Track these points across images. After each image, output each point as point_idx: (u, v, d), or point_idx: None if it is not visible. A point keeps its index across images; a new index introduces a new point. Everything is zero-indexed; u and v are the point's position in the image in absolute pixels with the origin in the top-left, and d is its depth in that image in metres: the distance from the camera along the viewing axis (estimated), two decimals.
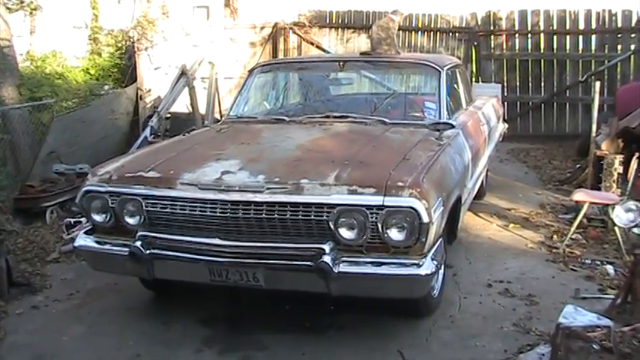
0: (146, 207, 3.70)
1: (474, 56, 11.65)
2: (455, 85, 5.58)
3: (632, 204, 5.12)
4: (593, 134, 6.92)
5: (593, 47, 11.18)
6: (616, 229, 5.24)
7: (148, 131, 8.24)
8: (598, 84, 6.77)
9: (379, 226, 3.34)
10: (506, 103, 10.35)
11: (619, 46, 11.05)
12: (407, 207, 3.31)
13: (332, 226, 3.38)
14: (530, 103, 11.42)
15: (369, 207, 3.34)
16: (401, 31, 10.97)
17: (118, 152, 7.36)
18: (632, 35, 10.94)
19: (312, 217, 3.40)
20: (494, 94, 8.13)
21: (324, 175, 3.52)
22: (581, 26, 11.13)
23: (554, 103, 11.34)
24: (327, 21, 11.91)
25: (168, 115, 9.11)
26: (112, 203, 3.80)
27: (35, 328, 4.21)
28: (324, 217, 3.39)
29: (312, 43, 11.74)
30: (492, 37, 11.50)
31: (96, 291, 4.77)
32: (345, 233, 3.39)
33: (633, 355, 3.34)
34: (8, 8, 8.75)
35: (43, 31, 11.36)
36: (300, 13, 11.91)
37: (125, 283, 4.69)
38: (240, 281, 3.61)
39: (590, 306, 4.03)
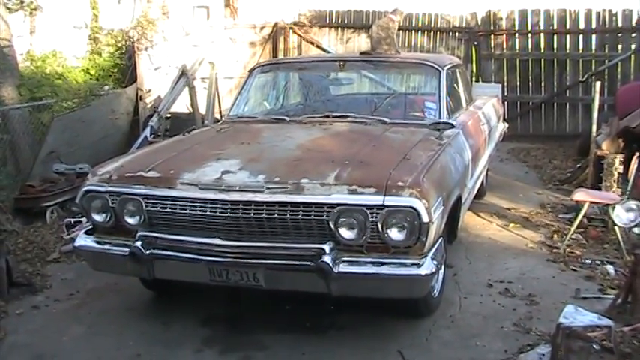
0: (146, 207, 3.70)
1: (474, 56, 11.65)
2: (455, 85, 5.58)
3: (632, 204, 5.11)
4: (594, 134, 6.92)
5: (593, 47, 11.17)
6: (616, 228, 5.24)
7: (148, 131, 8.24)
8: (598, 84, 6.77)
9: (379, 225, 3.34)
10: (506, 102, 10.36)
11: (619, 46, 11.05)
12: (407, 207, 3.31)
13: (332, 226, 3.38)
14: (531, 103, 11.42)
15: (369, 207, 3.34)
16: (401, 31, 10.97)
17: (118, 152, 7.37)
18: (633, 35, 10.93)
19: (313, 217, 3.40)
20: (495, 93, 8.12)
21: (324, 175, 3.52)
22: (582, 26, 11.12)
23: (555, 103, 11.33)
24: (327, 21, 11.90)
25: (169, 115, 9.11)
26: (112, 203, 3.80)
27: (35, 328, 4.21)
28: (325, 217, 3.38)
29: (312, 43, 11.74)
30: (492, 36, 11.50)
31: (96, 291, 4.77)
32: (346, 233, 3.40)
33: (633, 355, 3.35)
34: (8, 8, 8.75)
35: (43, 31, 11.35)
36: (300, 13, 11.91)
37: (125, 283, 4.69)
38: (241, 281, 3.61)
39: (591, 306, 4.03)
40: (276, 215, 3.45)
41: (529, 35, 11.40)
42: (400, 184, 3.37)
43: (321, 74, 5.74)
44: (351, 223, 3.38)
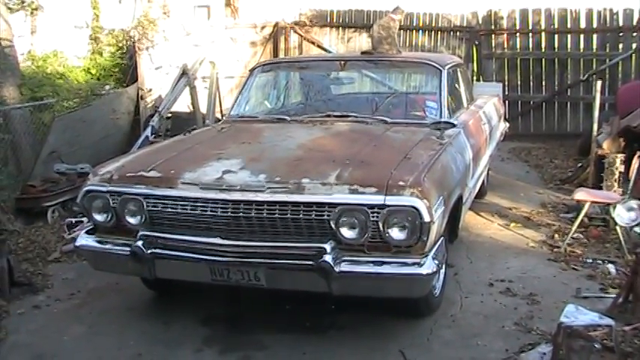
0: (147, 206, 3.70)
1: (475, 55, 11.64)
2: (456, 85, 5.57)
3: (633, 203, 5.11)
4: (595, 133, 6.91)
5: (594, 46, 11.16)
6: (617, 228, 5.23)
7: (149, 131, 8.24)
8: (599, 83, 6.76)
9: (380, 225, 3.34)
10: (507, 102, 10.38)
11: (620, 45, 11.03)
12: (408, 206, 3.30)
13: (333, 226, 3.38)
14: (532, 102, 11.41)
15: (370, 206, 3.34)
16: (402, 31, 10.97)
17: (119, 152, 7.37)
18: (634, 34, 10.91)
19: (314, 216, 3.40)
20: (496, 93, 8.12)
21: (325, 175, 3.52)
22: (583, 25, 11.11)
23: (556, 102, 11.33)
24: (328, 20, 11.90)
25: (169, 115, 9.11)
26: (113, 203, 3.80)
27: (36, 327, 4.21)
28: (326, 217, 3.38)
29: (313, 43, 11.74)
30: (493, 36, 11.50)
31: (97, 291, 4.77)
32: (347, 232, 3.39)
33: (635, 355, 3.35)
34: (9, 8, 8.75)
35: (44, 30, 11.35)
36: (300, 13, 11.92)
37: (126, 283, 4.69)
38: (242, 281, 3.61)
39: (592, 305, 4.03)
40: (277, 215, 3.44)
41: (530, 34, 11.39)
42: (401, 183, 3.37)
43: (322, 74, 5.74)
44: (352, 223, 3.38)
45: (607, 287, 4.53)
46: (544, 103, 11.37)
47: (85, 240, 4.01)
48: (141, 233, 3.67)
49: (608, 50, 11.06)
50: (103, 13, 11.76)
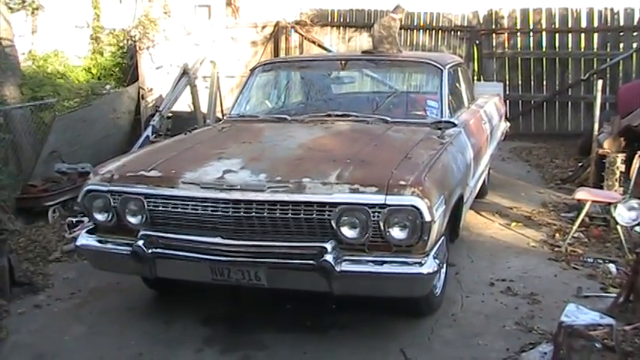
0: (148, 206, 3.70)
1: (476, 55, 11.65)
2: (457, 84, 5.57)
3: (634, 202, 5.11)
4: (596, 133, 6.91)
5: (595, 45, 11.16)
6: (618, 227, 5.23)
7: (149, 130, 8.24)
8: (600, 82, 6.76)
9: (381, 224, 3.33)
10: (508, 101, 10.39)
11: (621, 45, 11.03)
12: (409, 205, 3.30)
13: (334, 225, 3.37)
14: (533, 102, 11.41)
15: (371, 206, 3.34)
16: (403, 30, 10.96)
17: (120, 151, 7.38)
18: (634, 33, 10.91)
19: (314, 216, 3.40)
20: (496, 92, 8.12)
21: (325, 174, 3.52)
22: (583, 24, 11.11)
23: (557, 102, 11.32)
24: (329, 20, 11.90)
25: (170, 114, 9.11)
26: (113, 202, 3.80)
27: (37, 327, 4.21)
28: (326, 216, 3.38)
29: (313, 42, 11.74)
30: (494, 35, 11.49)
31: (98, 290, 4.77)
32: (347, 232, 3.39)
33: (635, 354, 3.35)
34: (10, 8, 8.74)
35: (44, 30, 11.35)
36: (301, 12, 11.91)
37: (127, 283, 4.69)
38: (242, 280, 3.61)
39: (593, 305, 4.03)
40: (277, 214, 3.44)
41: (531, 34, 11.39)
42: (402, 183, 3.36)
43: (322, 73, 5.74)
44: (353, 222, 3.38)
45: (608, 287, 4.53)
46: (545, 103, 11.37)
47: (85, 239, 4.01)
48: (142, 233, 3.67)
49: (609, 50, 11.06)
50: (104, 13, 11.77)
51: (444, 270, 4.04)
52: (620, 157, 6.14)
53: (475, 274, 4.83)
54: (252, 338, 3.90)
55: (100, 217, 3.90)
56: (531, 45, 11.38)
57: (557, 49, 11.25)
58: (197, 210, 3.58)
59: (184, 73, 8.98)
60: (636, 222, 5.16)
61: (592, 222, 5.80)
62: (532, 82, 11.40)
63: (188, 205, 3.60)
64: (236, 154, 4.03)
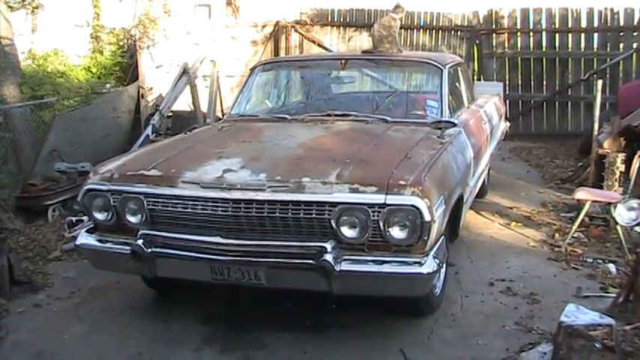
0: (148, 205, 3.69)
1: (476, 54, 11.64)
2: (457, 84, 5.57)
3: (634, 202, 5.11)
4: (595, 133, 6.91)
5: (595, 45, 11.16)
6: (618, 227, 5.23)
7: (149, 129, 8.24)
8: (600, 82, 6.77)
9: (381, 224, 3.33)
10: (508, 101, 10.38)
11: (621, 45, 11.04)
12: (409, 205, 3.30)
13: (334, 225, 3.37)
14: (532, 102, 11.41)
15: (370, 205, 3.34)
16: (403, 30, 10.96)
17: (120, 151, 7.37)
18: (634, 33, 10.91)
19: (314, 215, 3.40)
20: (496, 92, 8.12)
21: (325, 174, 3.52)
22: (583, 24, 11.11)
23: (556, 102, 11.32)
24: (329, 19, 11.89)
25: (170, 114, 9.11)
26: (113, 202, 3.80)
27: (36, 326, 4.21)
28: (326, 216, 3.38)
29: (313, 42, 11.74)
30: (494, 35, 11.49)
31: (97, 289, 4.77)
32: (347, 232, 3.39)
33: (635, 354, 3.35)
34: (10, 7, 8.72)
35: (44, 29, 11.36)
36: (301, 12, 11.91)
37: (127, 282, 4.69)
38: (242, 279, 3.61)
39: (592, 305, 4.03)
40: (277, 214, 3.44)
41: (531, 34, 11.39)
42: (402, 182, 3.36)
43: (322, 73, 5.74)
44: (353, 222, 3.38)
45: (607, 287, 4.53)
46: (545, 103, 11.37)
47: (85, 239, 4.01)
48: (141, 232, 3.67)
49: (608, 50, 11.06)
50: (104, 12, 11.77)
51: (443, 270, 4.04)
52: (620, 157, 6.14)
53: (475, 274, 4.83)
54: (252, 337, 3.90)
55: (99, 216, 3.90)
56: (531, 45, 11.38)
57: (557, 49, 11.25)
58: (197, 209, 3.58)
59: (184, 72, 8.98)
60: (636, 222, 5.16)
61: (592, 222, 5.80)
62: (532, 82, 11.40)
63: (188, 204, 3.60)
64: (236, 154, 4.03)
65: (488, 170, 6.71)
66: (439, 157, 3.94)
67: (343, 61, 5.68)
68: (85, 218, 5.72)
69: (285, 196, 3.44)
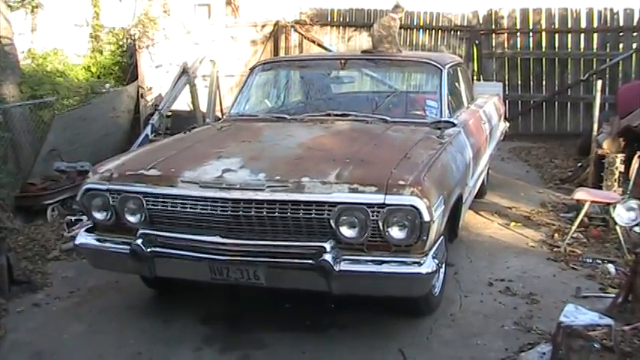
0: (147, 205, 3.69)
1: (476, 55, 11.64)
2: (456, 84, 5.57)
3: (633, 203, 5.11)
4: (595, 133, 6.92)
5: (594, 46, 11.17)
6: (617, 228, 5.23)
7: (149, 129, 8.23)
8: (600, 83, 6.77)
9: (380, 224, 3.34)
10: (507, 101, 10.37)
11: (620, 45, 11.04)
12: (408, 205, 3.30)
13: (333, 225, 3.37)
14: (532, 102, 11.41)
15: (370, 205, 3.34)
16: (402, 30, 10.96)
17: (119, 150, 7.37)
18: (634, 34, 10.91)
19: (313, 215, 3.40)
20: (496, 92, 8.11)
21: (325, 174, 3.52)
22: (583, 25, 11.11)
23: (556, 102, 11.33)
24: (329, 19, 11.90)
25: (170, 113, 9.10)
26: (112, 201, 3.80)
27: (36, 325, 4.21)
28: (325, 216, 3.38)
29: (313, 42, 11.74)
30: (494, 35, 11.49)
31: (97, 289, 4.77)
32: (346, 231, 3.39)
33: (634, 354, 3.35)
34: (9, 6, 8.72)
35: (44, 28, 11.36)
36: (301, 12, 11.91)
37: (126, 281, 4.69)
38: (241, 279, 3.61)
39: (591, 305, 4.03)
40: (277, 213, 3.44)
41: (530, 34, 11.39)
42: (401, 182, 3.36)
43: (322, 72, 5.74)
44: (352, 222, 3.38)
45: (606, 287, 4.54)
46: (544, 103, 11.37)
47: (84, 238, 4.01)
48: (140, 232, 3.67)
49: (608, 50, 11.06)
50: (104, 11, 11.77)
51: (442, 270, 4.04)
52: (620, 157, 6.15)
53: (474, 274, 4.83)
54: (252, 337, 3.90)
55: (99, 215, 3.89)
56: (531, 45, 11.38)
57: (556, 50, 11.25)
58: (196, 209, 3.57)
59: (184, 72, 8.97)
60: (635, 222, 5.16)
61: (591, 222, 5.81)
62: (531, 82, 11.41)
63: (187, 204, 3.60)
64: (235, 153, 4.03)
65: (488, 170, 6.71)
66: (438, 157, 3.94)
67: (343, 61, 5.68)
68: (84, 218, 5.72)
69: (284, 196, 3.44)
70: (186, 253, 3.61)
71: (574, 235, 5.49)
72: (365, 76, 5.88)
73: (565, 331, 3.24)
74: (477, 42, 11.54)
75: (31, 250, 5.61)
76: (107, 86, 10.22)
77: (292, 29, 11.70)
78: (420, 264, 3.41)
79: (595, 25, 11.08)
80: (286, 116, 5.03)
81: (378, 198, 3.33)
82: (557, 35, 11.24)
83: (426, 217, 3.30)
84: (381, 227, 3.34)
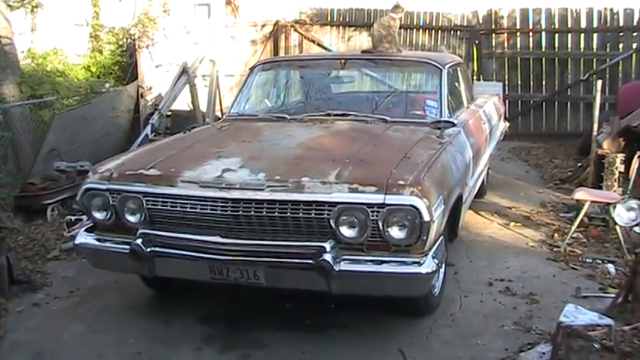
0: (147, 205, 3.69)
1: (476, 54, 11.64)
2: (456, 84, 5.57)
3: (633, 203, 5.11)
4: (595, 133, 6.92)
5: (594, 46, 11.17)
6: (617, 228, 5.23)
7: (148, 129, 8.23)
8: (599, 83, 6.77)
9: (380, 224, 3.33)
10: (507, 101, 10.37)
11: (620, 45, 11.04)
12: (408, 205, 3.30)
13: (333, 225, 3.37)
14: (532, 102, 11.41)
15: (370, 205, 3.34)
16: (402, 29, 10.95)
17: (119, 150, 7.37)
18: (634, 34, 10.91)
19: (313, 215, 3.40)
20: (496, 92, 8.12)
21: (325, 174, 3.52)
22: (583, 25, 11.11)
23: (556, 102, 11.33)
24: (329, 19, 11.89)
25: (169, 113, 9.09)
26: (112, 201, 3.80)
27: (35, 325, 4.21)
28: (325, 216, 3.38)
29: (313, 41, 11.74)
30: (494, 35, 11.49)
31: (96, 289, 4.77)
32: (346, 231, 3.39)
33: (634, 354, 3.35)
34: (9, 5, 8.72)
35: (44, 28, 11.36)
36: (301, 11, 11.90)
37: (126, 281, 4.69)
38: (241, 279, 3.61)
39: (591, 305, 4.03)
40: (276, 213, 3.44)
41: (530, 34, 11.39)
42: (401, 182, 3.36)
43: (322, 72, 5.74)
44: (352, 222, 3.38)
45: (606, 287, 4.54)
46: (544, 103, 11.37)
47: (84, 238, 4.01)
48: (140, 231, 3.67)
49: (608, 50, 11.06)
50: (103, 11, 11.77)
51: (442, 270, 4.04)
52: (620, 157, 6.15)
53: (474, 274, 4.83)
54: (251, 337, 3.90)
55: (98, 215, 3.89)
56: (531, 45, 11.38)
57: (556, 50, 11.25)
58: (196, 209, 3.57)
59: (184, 71, 8.97)
60: (635, 222, 5.16)
61: (591, 222, 5.81)
62: (531, 82, 11.41)
63: (187, 203, 3.59)
64: (235, 153, 4.03)
65: (488, 170, 6.71)
66: (438, 157, 3.94)
67: (343, 61, 5.69)
68: (84, 217, 5.72)
69: (284, 196, 3.44)
70: (186, 252, 3.61)
71: (574, 235, 5.49)
72: (365, 76, 5.88)
73: (565, 331, 3.24)
74: (476, 42, 11.54)
75: (31, 250, 5.61)
76: (107, 86, 10.22)
77: (292, 29, 11.69)
78: (419, 264, 3.41)
79: (595, 25, 11.08)
80: (286, 116, 5.03)
81: (378, 198, 3.33)
82: (557, 35, 11.24)
83: (426, 217, 3.30)
84: (381, 227, 3.34)
